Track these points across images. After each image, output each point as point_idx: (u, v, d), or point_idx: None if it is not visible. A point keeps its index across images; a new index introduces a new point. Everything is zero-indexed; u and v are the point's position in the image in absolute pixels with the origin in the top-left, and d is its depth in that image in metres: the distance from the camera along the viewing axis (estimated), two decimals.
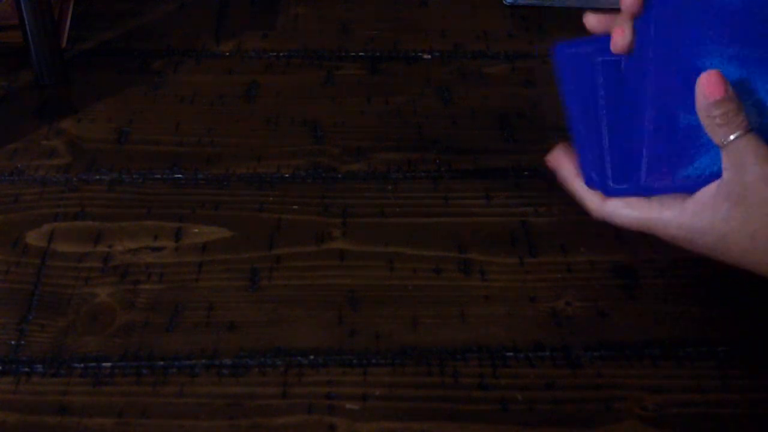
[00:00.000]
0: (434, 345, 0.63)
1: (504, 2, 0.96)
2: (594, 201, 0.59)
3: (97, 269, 0.67)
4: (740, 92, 0.56)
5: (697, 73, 0.56)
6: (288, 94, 0.84)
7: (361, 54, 0.89)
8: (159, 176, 0.75)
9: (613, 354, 0.63)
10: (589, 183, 0.59)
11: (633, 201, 0.58)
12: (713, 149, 0.57)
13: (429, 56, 0.89)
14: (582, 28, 0.95)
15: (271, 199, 0.73)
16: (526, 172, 0.76)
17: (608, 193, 0.59)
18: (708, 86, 0.56)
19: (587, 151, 0.60)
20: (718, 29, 0.57)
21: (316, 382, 0.60)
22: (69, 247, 0.68)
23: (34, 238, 0.69)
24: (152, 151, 0.77)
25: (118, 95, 0.83)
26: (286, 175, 0.75)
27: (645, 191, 0.58)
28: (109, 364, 0.61)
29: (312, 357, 0.62)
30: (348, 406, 0.59)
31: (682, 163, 0.57)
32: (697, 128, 0.57)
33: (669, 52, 0.57)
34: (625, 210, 0.58)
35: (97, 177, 0.74)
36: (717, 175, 0.56)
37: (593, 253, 0.69)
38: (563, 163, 0.60)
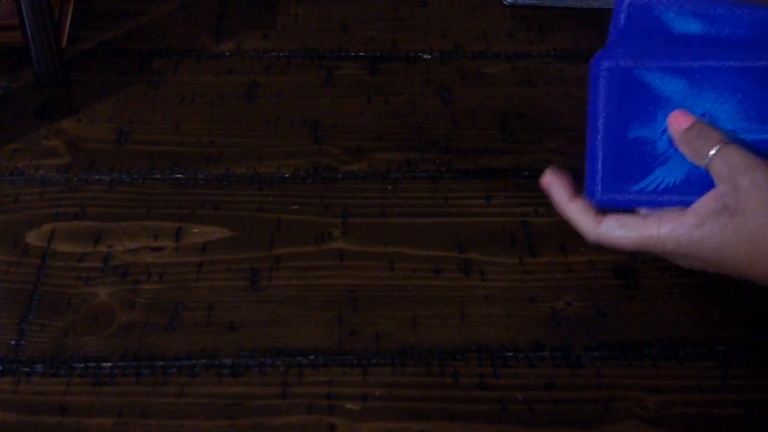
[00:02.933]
0: (434, 345, 0.63)
1: (504, 2, 0.96)
2: (588, 225, 0.59)
3: (97, 269, 0.67)
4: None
5: (643, 87, 0.57)
6: (288, 94, 0.84)
7: (361, 54, 0.89)
8: (159, 176, 0.75)
9: (613, 354, 0.63)
10: (586, 194, 0.60)
11: (628, 220, 0.58)
12: (670, 162, 0.58)
13: (429, 56, 0.89)
14: (581, 28, 0.95)
15: (271, 199, 0.73)
16: (526, 172, 0.76)
17: (595, 205, 0.59)
18: (676, 121, 0.57)
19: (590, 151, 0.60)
20: (665, 47, 0.58)
21: (316, 382, 0.60)
22: (69, 247, 0.68)
23: (34, 238, 0.69)
24: (152, 151, 0.77)
25: (118, 95, 0.83)
26: (286, 175, 0.75)
27: (613, 206, 0.58)
28: (109, 364, 0.61)
29: (312, 357, 0.62)
30: (348, 406, 0.59)
31: (638, 177, 0.58)
32: (647, 141, 0.58)
33: (617, 69, 0.58)
34: (619, 230, 0.58)
35: (97, 177, 0.74)
36: (675, 188, 0.57)
37: (593, 253, 0.69)
38: (554, 187, 0.60)
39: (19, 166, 0.75)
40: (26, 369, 0.61)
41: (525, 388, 0.60)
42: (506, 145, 0.79)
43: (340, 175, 0.75)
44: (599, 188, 0.59)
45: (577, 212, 0.59)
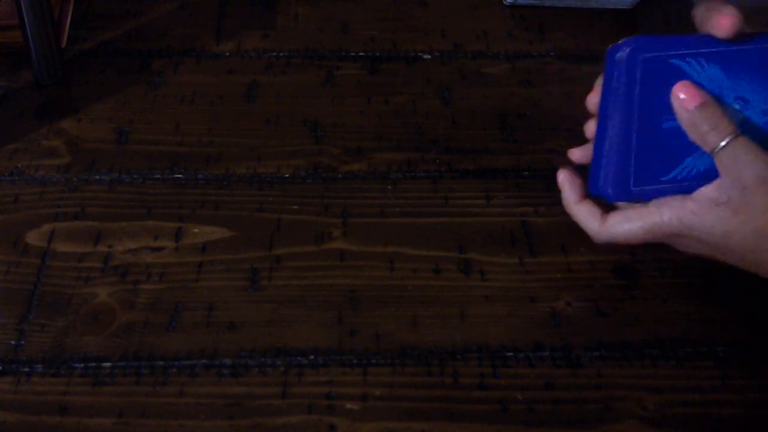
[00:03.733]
0: (434, 345, 0.63)
1: (504, 2, 0.96)
2: (594, 224, 0.59)
3: (97, 269, 0.67)
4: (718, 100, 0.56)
5: (681, 75, 0.57)
6: (288, 94, 0.84)
7: (361, 54, 0.89)
8: (159, 176, 0.75)
9: (613, 354, 0.63)
10: (593, 191, 0.59)
11: (630, 213, 0.58)
12: (698, 149, 0.57)
13: (429, 56, 0.89)
14: (580, 29, 0.95)
15: (271, 199, 0.73)
16: (526, 172, 0.76)
17: (609, 200, 0.59)
18: (685, 95, 0.56)
19: (595, 157, 0.60)
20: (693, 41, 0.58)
21: (316, 382, 0.60)
22: (69, 247, 0.68)
23: (34, 238, 0.69)
24: (152, 151, 0.77)
25: (118, 95, 0.83)
26: (286, 175, 0.75)
27: (637, 197, 0.58)
28: (109, 364, 0.61)
29: (312, 357, 0.62)
30: (348, 406, 0.59)
31: (669, 167, 0.58)
32: (679, 130, 0.57)
33: (655, 60, 0.57)
34: (625, 224, 0.58)
35: (97, 177, 0.74)
36: (704, 175, 0.56)
37: (593, 253, 0.69)
38: (567, 186, 0.61)
39: (19, 166, 0.75)
40: (26, 369, 0.61)
41: (525, 388, 0.60)
42: (506, 145, 0.79)
43: (340, 175, 0.75)
44: (631, 183, 0.58)
45: (583, 213, 0.60)
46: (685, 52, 0.58)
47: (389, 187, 0.74)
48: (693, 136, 0.57)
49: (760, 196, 0.53)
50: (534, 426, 0.58)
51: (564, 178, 0.61)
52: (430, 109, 0.82)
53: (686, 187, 0.57)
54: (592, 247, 0.69)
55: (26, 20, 0.79)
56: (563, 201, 0.61)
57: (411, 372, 0.61)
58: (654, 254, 0.69)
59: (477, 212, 0.73)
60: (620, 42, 0.59)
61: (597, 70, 0.88)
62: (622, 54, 0.58)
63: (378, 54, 0.89)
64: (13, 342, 0.62)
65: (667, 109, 0.58)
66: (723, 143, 0.55)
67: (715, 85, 0.58)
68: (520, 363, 0.62)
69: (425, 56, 0.89)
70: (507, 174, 0.76)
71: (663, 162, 0.58)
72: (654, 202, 0.58)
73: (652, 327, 0.65)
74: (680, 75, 0.57)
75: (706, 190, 0.56)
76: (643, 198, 0.58)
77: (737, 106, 0.58)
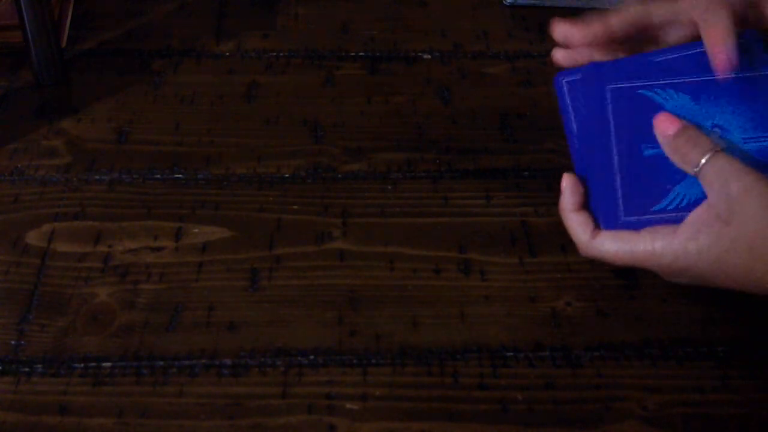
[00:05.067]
0: (434, 345, 0.63)
1: (504, 2, 0.96)
2: (582, 239, 0.60)
3: (97, 269, 0.67)
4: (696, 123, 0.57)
5: (650, 105, 0.57)
6: (288, 94, 0.84)
7: (361, 54, 0.89)
8: (159, 176, 0.75)
9: (613, 354, 0.63)
10: (604, 223, 0.60)
11: (622, 234, 0.58)
12: (686, 177, 0.57)
13: (429, 56, 0.89)
14: None
15: (271, 199, 0.73)
16: (526, 172, 0.76)
17: (604, 227, 0.59)
18: (663, 124, 0.57)
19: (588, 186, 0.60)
20: (661, 72, 0.58)
21: (316, 382, 0.60)
22: (69, 247, 0.68)
23: (34, 238, 0.69)
24: (152, 151, 0.77)
25: (118, 95, 0.83)
26: (286, 175, 0.75)
27: (629, 227, 0.58)
28: (109, 364, 0.61)
29: (312, 357, 0.62)
30: (348, 406, 0.59)
31: (658, 196, 0.58)
32: (663, 157, 0.58)
33: (622, 89, 0.58)
34: (615, 244, 0.58)
35: (97, 177, 0.74)
36: (695, 203, 0.56)
37: None
38: (567, 193, 0.61)
39: (19, 166, 0.75)
40: (26, 369, 0.61)
41: (525, 388, 0.60)
42: (506, 145, 0.79)
43: (340, 175, 0.75)
44: (621, 213, 0.59)
45: (576, 223, 0.60)
46: (652, 83, 0.58)
47: (389, 187, 0.74)
48: (675, 160, 0.57)
49: (747, 206, 0.53)
50: (534, 426, 0.58)
51: (567, 184, 0.61)
52: (430, 109, 0.82)
53: (680, 217, 0.57)
54: None
55: (26, 20, 0.79)
56: (560, 206, 0.61)
57: (411, 372, 0.61)
58: None
59: (477, 212, 0.73)
60: (574, 69, 0.60)
61: None
62: (582, 79, 0.59)
63: (378, 54, 0.89)
64: (13, 342, 0.62)
65: (645, 137, 0.58)
66: (704, 160, 0.55)
67: (687, 114, 0.58)
68: (520, 363, 0.62)
69: (425, 56, 0.89)
70: (507, 174, 0.76)
71: (651, 191, 0.58)
72: (646, 229, 0.58)
73: (652, 327, 0.65)
74: (650, 104, 0.58)
75: (696, 213, 0.56)
76: (634, 228, 0.59)
77: (716, 135, 0.58)
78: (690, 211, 0.57)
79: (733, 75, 0.57)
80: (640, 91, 0.59)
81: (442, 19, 0.94)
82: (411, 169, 0.76)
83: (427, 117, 0.81)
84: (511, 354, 0.63)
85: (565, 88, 0.61)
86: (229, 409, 0.59)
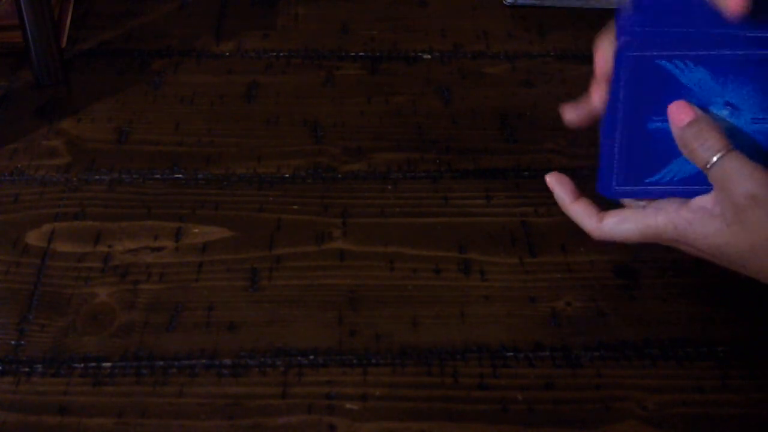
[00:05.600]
0: (434, 345, 0.63)
1: (504, 2, 0.96)
2: (590, 223, 0.59)
3: (97, 269, 0.67)
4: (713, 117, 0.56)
5: (666, 76, 0.57)
6: (288, 94, 0.84)
7: (361, 54, 0.89)
8: (159, 176, 0.75)
9: (613, 354, 0.63)
10: (608, 192, 0.59)
11: (627, 213, 0.58)
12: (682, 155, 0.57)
13: (429, 56, 0.89)
14: (581, 28, 0.95)
15: (271, 199, 0.73)
16: (526, 172, 0.76)
17: (600, 193, 0.59)
18: (677, 114, 0.56)
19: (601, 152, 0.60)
20: (686, 36, 0.57)
21: (316, 382, 0.60)
22: (69, 247, 0.68)
23: (34, 238, 0.69)
24: (152, 151, 0.77)
25: (118, 95, 0.83)
26: (286, 175, 0.75)
27: (622, 196, 0.58)
28: (109, 364, 0.61)
29: (312, 357, 0.62)
30: (348, 406, 0.59)
31: (653, 169, 0.58)
32: (666, 132, 0.57)
33: (640, 58, 0.57)
34: (621, 225, 0.58)
35: (97, 177, 0.74)
36: (689, 178, 0.56)
37: (593, 253, 0.69)
38: (557, 189, 0.60)
39: (19, 166, 0.75)
40: (26, 369, 0.61)
41: (525, 388, 0.60)
42: (506, 145, 0.79)
43: (340, 175, 0.75)
44: (614, 181, 0.58)
45: (579, 212, 0.60)
46: (673, 53, 0.57)
47: (389, 187, 0.74)
48: (684, 152, 0.57)
49: (751, 214, 0.53)
50: (534, 426, 0.58)
51: (552, 181, 0.61)
52: (430, 109, 0.82)
53: (672, 191, 0.57)
54: (592, 247, 0.70)
55: (26, 20, 0.79)
56: (558, 202, 0.61)
57: (411, 372, 0.61)
58: (654, 254, 0.69)
59: (477, 212, 0.73)
60: (620, 23, 0.59)
61: None
62: (615, 45, 0.58)
63: (378, 54, 0.89)
64: (13, 342, 0.62)
65: (653, 110, 0.58)
66: (714, 159, 0.55)
67: (701, 89, 0.58)
68: (520, 363, 0.62)
69: (425, 56, 0.89)
70: (507, 174, 0.76)
71: (647, 164, 0.58)
72: (653, 204, 0.58)
73: (652, 327, 0.65)
74: (666, 76, 0.57)
75: (702, 200, 0.56)
76: (628, 197, 0.58)
77: (726, 112, 0.57)
78: (683, 185, 0.57)
79: (758, 52, 0.57)
80: (657, 61, 0.58)
81: (442, 19, 0.94)
82: (411, 169, 0.76)
83: (427, 117, 0.81)
84: (511, 354, 0.63)
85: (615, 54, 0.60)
86: (229, 409, 0.59)
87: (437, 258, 0.69)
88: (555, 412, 0.59)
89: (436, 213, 0.72)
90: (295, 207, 0.72)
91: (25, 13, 0.79)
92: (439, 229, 0.71)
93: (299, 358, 0.62)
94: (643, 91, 0.57)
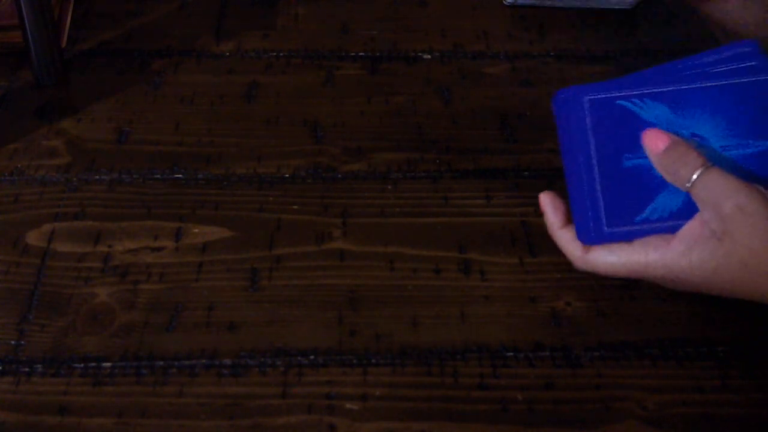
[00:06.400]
0: (434, 345, 0.63)
1: (504, 2, 0.96)
2: (576, 252, 0.60)
3: (97, 269, 0.67)
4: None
5: (628, 115, 0.58)
6: (288, 94, 0.84)
7: (361, 54, 0.89)
8: (159, 176, 0.75)
9: (613, 354, 0.63)
10: (584, 238, 0.60)
11: (615, 247, 0.58)
12: (668, 186, 0.57)
13: (429, 56, 0.89)
14: (581, 28, 0.95)
15: (271, 199, 0.73)
16: (526, 172, 0.76)
17: (585, 242, 0.59)
18: (652, 140, 0.57)
19: (572, 201, 0.61)
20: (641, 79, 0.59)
21: (316, 382, 0.60)
22: (69, 247, 0.68)
23: (34, 238, 0.69)
24: (152, 151, 0.77)
25: (118, 95, 0.83)
26: (286, 175, 0.75)
27: (612, 239, 0.58)
28: (109, 364, 0.61)
29: (312, 357, 0.62)
30: (348, 406, 0.59)
31: (641, 206, 0.58)
32: (643, 168, 0.58)
33: (600, 100, 0.59)
34: (609, 257, 0.58)
35: (97, 177, 0.74)
36: (679, 214, 0.57)
37: None
38: (549, 210, 0.61)
39: (19, 166, 0.75)
40: (26, 369, 0.61)
41: (525, 388, 0.60)
42: (506, 145, 0.79)
43: (340, 175, 0.75)
44: (604, 224, 0.59)
45: (566, 239, 0.61)
46: (629, 93, 0.58)
47: (389, 187, 0.74)
48: (667, 177, 0.57)
49: (739, 224, 0.53)
50: (534, 426, 0.59)
51: (545, 202, 0.61)
52: (430, 109, 0.82)
53: (664, 227, 0.57)
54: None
55: (26, 20, 0.79)
56: (547, 225, 0.62)
57: (411, 372, 0.61)
58: None
59: (477, 212, 0.73)
60: (564, 89, 0.61)
61: (597, 70, 0.89)
62: (566, 96, 0.60)
63: (378, 54, 0.89)
64: (13, 342, 0.62)
65: (624, 147, 0.58)
66: (695, 176, 0.55)
67: (665, 124, 0.58)
68: (520, 363, 0.62)
69: (425, 56, 0.89)
70: (507, 174, 0.76)
71: (634, 202, 0.59)
72: (639, 241, 0.58)
73: (652, 327, 0.65)
74: (628, 115, 0.58)
75: (689, 227, 0.56)
76: (618, 239, 0.59)
77: (694, 143, 0.58)
78: (674, 220, 0.57)
79: (711, 84, 0.58)
80: (618, 102, 0.59)
81: (442, 19, 0.94)
82: (411, 169, 0.76)
83: (427, 117, 0.81)
84: (511, 354, 0.63)
85: (558, 105, 0.61)
86: (229, 409, 0.59)
87: (437, 258, 0.69)
88: (555, 412, 0.59)
89: (436, 213, 0.72)
90: (295, 207, 0.72)
91: (25, 13, 0.79)
92: (439, 229, 0.71)
93: (299, 358, 0.62)
94: (610, 131, 0.58)
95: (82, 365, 0.61)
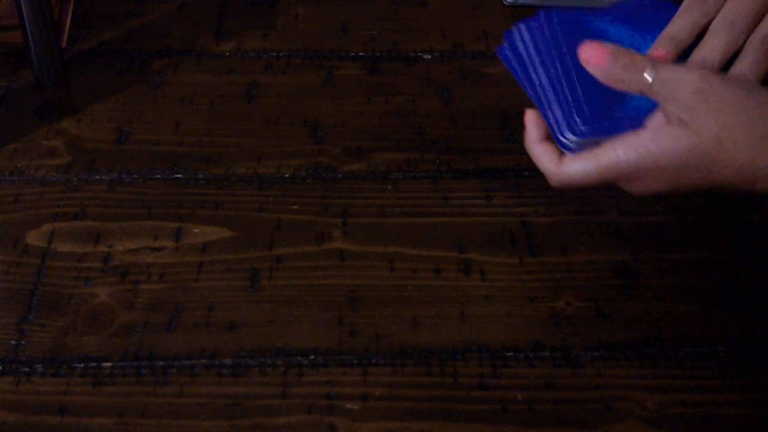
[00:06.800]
0: (434, 345, 0.63)
1: (504, 2, 0.96)
2: (550, 167, 0.59)
3: (97, 269, 0.67)
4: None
5: (595, 30, 0.62)
6: (288, 94, 0.84)
7: (361, 54, 0.89)
8: (159, 176, 0.75)
9: (613, 354, 0.63)
10: (562, 144, 0.60)
11: (585, 153, 0.57)
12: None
13: (429, 56, 0.89)
14: None
15: (271, 199, 0.73)
16: (526, 172, 0.76)
17: (566, 148, 0.59)
18: (592, 57, 0.56)
19: (543, 110, 0.61)
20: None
21: (316, 382, 0.60)
22: (69, 247, 0.68)
23: (34, 238, 0.69)
24: (152, 151, 0.77)
25: (118, 95, 0.83)
26: (286, 175, 0.75)
27: (591, 135, 0.58)
28: (109, 364, 0.61)
29: (312, 357, 0.62)
30: (348, 406, 0.59)
31: (612, 105, 0.58)
32: None
33: (566, 15, 0.63)
34: (578, 164, 0.57)
35: (97, 177, 0.74)
36: (648, 112, 0.57)
37: (593, 253, 0.69)
38: (533, 124, 0.61)
39: (19, 166, 0.75)
40: (26, 369, 0.61)
41: (525, 388, 0.60)
42: (506, 145, 0.79)
43: (340, 175, 0.75)
44: (587, 117, 0.58)
45: (541, 153, 0.60)
46: (592, 15, 0.63)
47: (389, 187, 0.74)
48: (620, 87, 0.56)
49: (703, 109, 0.52)
50: (534, 426, 0.59)
51: (530, 117, 0.61)
52: (430, 109, 0.82)
53: (635, 125, 0.57)
54: (592, 247, 0.70)
55: (26, 20, 0.79)
56: (525, 139, 0.61)
57: (411, 372, 0.61)
58: (654, 254, 0.69)
59: (477, 212, 0.73)
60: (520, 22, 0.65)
61: None
62: (531, 23, 0.64)
63: (378, 54, 0.89)
64: (13, 342, 0.62)
65: None
66: (649, 78, 0.54)
67: (629, 42, 0.61)
68: (520, 363, 0.62)
69: (425, 56, 0.89)
70: (507, 174, 0.76)
71: (605, 102, 0.59)
72: (608, 141, 0.56)
73: (652, 327, 0.65)
74: (594, 29, 0.61)
75: (655, 118, 0.55)
76: (601, 134, 0.58)
77: None
78: (643, 117, 0.57)
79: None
80: (582, 18, 0.62)
81: (442, 19, 0.94)
82: (411, 169, 0.76)
83: (427, 117, 0.81)
84: (511, 354, 0.63)
85: (519, 34, 0.64)
86: (229, 409, 0.59)
87: (437, 258, 0.69)
88: (555, 412, 0.59)
89: (436, 213, 0.72)
90: (295, 207, 0.72)
91: (25, 13, 0.79)
92: (439, 229, 0.71)
93: (299, 358, 0.62)
94: (578, 40, 0.58)
95: (82, 365, 0.61)
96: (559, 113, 0.60)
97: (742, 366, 0.62)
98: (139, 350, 0.62)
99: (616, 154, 0.55)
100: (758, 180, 0.52)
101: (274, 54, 0.88)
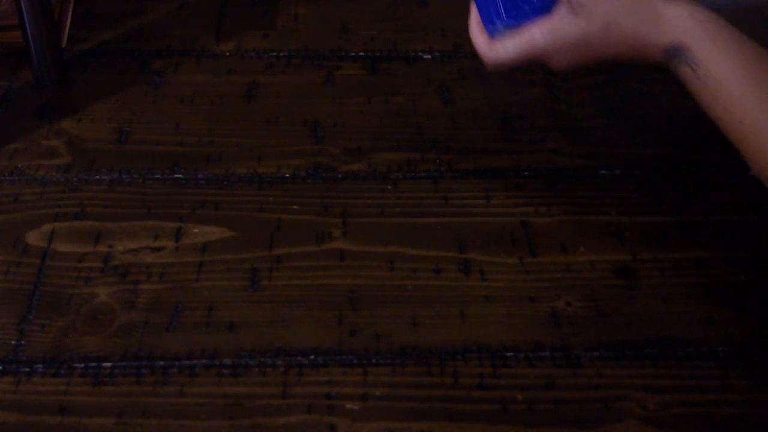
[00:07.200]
0: (434, 345, 0.63)
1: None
2: (484, 46, 0.67)
3: (97, 269, 0.67)
4: None
5: None
6: (288, 94, 0.84)
7: (361, 54, 0.89)
8: (159, 176, 0.75)
9: (613, 354, 0.63)
10: (491, 32, 0.67)
11: (510, 35, 0.65)
12: None
13: (429, 56, 0.89)
14: None
15: (271, 199, 0.73)
16: (526, 172, 0.76)
17: (491, 34, 0.67)
18: None
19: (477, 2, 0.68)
20: None
21: (316, 382, 0.60)
22: (69, 247, 0.68)
23: (34, 238, 0.69)
24: (152, 151, 0.77)
25: (118, 95, 0.83)
26: (286, 175, 0.75)
27: (511, 23, 0.65)
28: (109, 364, 0.61)
29: (312, 357, 0.62)
30: (348, 406, 0.59)
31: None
32: None
33: None
34: (507, 44, 0.65)
35: (97, 177, 0.74)
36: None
37: (593, 253, 0.69)
38: (472, 18, 0.69)
39: (19, 166, 0.75)
40: (26, 369, 0.61)
41: (525, 388, 0.60)
42: (506, 145, 0.79)
43: (340, 175, 0.75)
44: (503, 14, 0.66)
45: (480, 38, 0.68)
46: None
47: (389, 187, 0.74)
48: None
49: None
50: (534, 426, 0.59)
51: (472, 9, 0.69)
52: (430, 109, 0.82)
53: (548, 10, 0.64)
54: (592, 247, 0.70)
55: (26, 20, 0.79)
56: (470, 26, 0.69)
57: (411, 372, 0.61)
58: (654, 254, 0.69)
59: (477, 212, 0.73)
60: None
61: (597, 70, 0.88)
62: None
63: (378, 54, 0.89)
64: (13, 342, 0.62)
65: None
66: None
67: None
68: (520, 363, 0.62)
69: (425, 56, 0.89)
70: (507, 174, 0.76)
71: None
72: (525, 27, 0.64)
73: (652, 327, 0.65)
74: None
75: (561, 3, 0.62)
76: (515, 25, 0.65)
77: None
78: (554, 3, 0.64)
79: None
80: None
81: (442, 19, 0.94)
82: (411, 169, 0.76)
83: (427, 117, 0.81)
84: (511, 354, 0.63)
85: None
86: (229, 409, 0.59)
87: (437, 258, 0.69)
88: (555, 412, 0.59)
89: (436, 213, 0.72)
90: (295, 207, 0.72)
91: (25, 13, 0.79)
92: (439, 229, 0.71)
93: (299, 358, 0.62)
94: None
95: (82, 365, 0.61)
96: (485, 7, 0.67)
97: (742, 366, 0.62)
98: (139, 350, 0.62)
99: (532, 36, 0.64)
100: (648, 54, 0.61)
101: (274, 54, 0.88)
